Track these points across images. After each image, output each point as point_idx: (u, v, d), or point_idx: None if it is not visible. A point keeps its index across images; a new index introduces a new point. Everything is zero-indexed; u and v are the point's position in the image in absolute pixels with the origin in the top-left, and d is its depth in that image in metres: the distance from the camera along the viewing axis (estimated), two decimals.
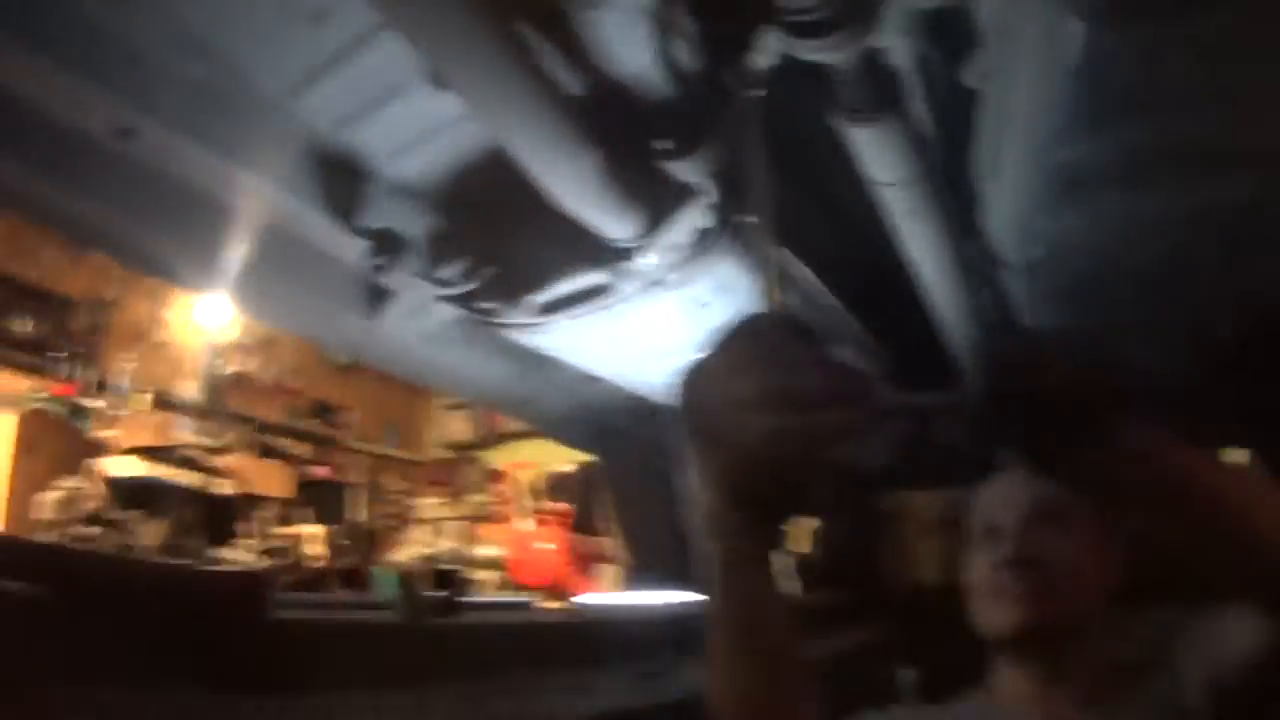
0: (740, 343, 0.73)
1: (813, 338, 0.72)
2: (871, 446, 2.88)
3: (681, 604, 1.94)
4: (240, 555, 5.29)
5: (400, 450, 8.65)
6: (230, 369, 6.50)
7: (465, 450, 8.66)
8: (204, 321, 6.09)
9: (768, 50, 1.51)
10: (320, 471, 7.39)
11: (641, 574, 3.08)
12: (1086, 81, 1.31)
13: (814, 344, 0.72)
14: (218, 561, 4.92)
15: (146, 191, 1.40)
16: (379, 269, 1.65)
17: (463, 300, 1.67)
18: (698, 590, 0.80)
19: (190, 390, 6.23)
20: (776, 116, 1.94)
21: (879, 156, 1.80)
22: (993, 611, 1.09)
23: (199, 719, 0.98)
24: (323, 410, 7.75)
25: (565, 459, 6.78)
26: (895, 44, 1.87)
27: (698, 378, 0.73)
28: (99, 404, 5.41)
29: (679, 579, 1.97)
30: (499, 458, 8.17)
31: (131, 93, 1.28)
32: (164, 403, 5.99)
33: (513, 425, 7.54)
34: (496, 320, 1.65)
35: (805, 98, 1.83)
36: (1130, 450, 0.76)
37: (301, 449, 7.38)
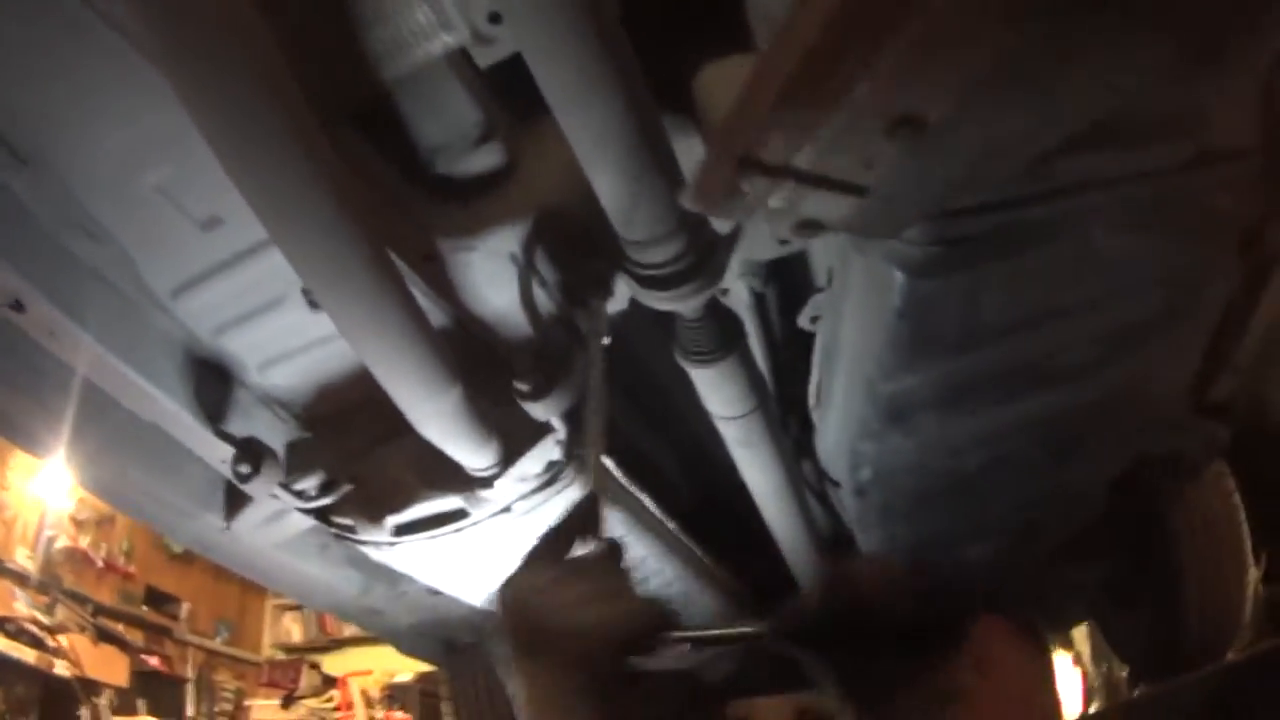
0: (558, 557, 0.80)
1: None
2: (715, 657, 2.96)
3: None
4: None
5: (233, 647, 8.12)
6: (63, 542, 6.14)
7: (300, 653, 8.21)
8: (41, 490, 5.85)
9: (619, 298, 1.66)
10: (152, 661, 6.88)
11: None
12: (909, 322, 1.43)
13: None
14: None
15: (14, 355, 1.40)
16: (241, 477, 1.66)
17: (319, 515, 1.68)
18: None
19: (25, 560, 5.87)
20: (628, 349, 2.09)
21: (718, 394, 1.97)
22: None
23: None
24: (156, 598, 7.27)
25: (402, 667, 6.52)
26: (735, 287, 2.06)
27: (521, 585, 0.80)
28: None
29: None
30: (335, 664, 7.78)
31: (18, 258, 1.30)
32: None
33: (348, 630, 7.24)
34: (351, 537, 1.67)
35: (651, 335, 1.98)
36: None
37: (134, 635, 6.88)
